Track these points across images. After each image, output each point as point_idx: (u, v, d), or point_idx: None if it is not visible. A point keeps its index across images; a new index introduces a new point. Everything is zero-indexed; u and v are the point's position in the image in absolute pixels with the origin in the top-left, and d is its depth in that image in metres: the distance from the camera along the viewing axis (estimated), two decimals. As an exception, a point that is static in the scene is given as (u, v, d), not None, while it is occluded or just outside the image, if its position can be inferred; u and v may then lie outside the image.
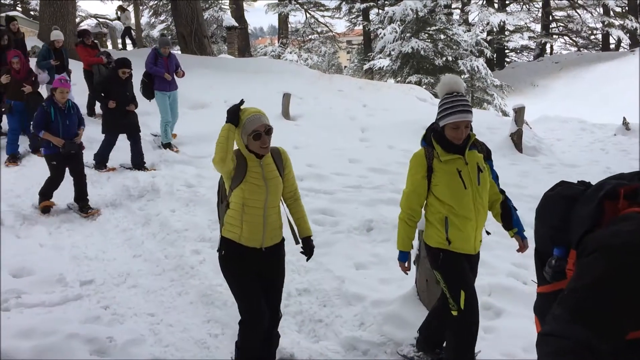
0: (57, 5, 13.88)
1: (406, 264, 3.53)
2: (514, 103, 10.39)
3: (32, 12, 30.24)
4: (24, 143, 8.34)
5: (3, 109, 7.91)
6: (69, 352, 3.79)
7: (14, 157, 7.91)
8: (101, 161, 7.95)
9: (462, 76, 21.88)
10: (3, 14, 10.96)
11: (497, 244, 5.57)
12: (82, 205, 6.64)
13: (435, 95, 17.68)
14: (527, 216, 6.30)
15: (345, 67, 46.97)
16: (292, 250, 5.39)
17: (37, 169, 7.67)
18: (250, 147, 3.12)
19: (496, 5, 31.81)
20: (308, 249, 3.55)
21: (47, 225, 6.20)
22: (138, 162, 8.04)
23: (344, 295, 4.58)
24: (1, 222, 5.94)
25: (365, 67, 26.94)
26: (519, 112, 9.92)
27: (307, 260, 3.61)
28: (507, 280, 4.67)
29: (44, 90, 8.61)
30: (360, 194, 7.06)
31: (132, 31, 23.83)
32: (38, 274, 5.00)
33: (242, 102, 3.16)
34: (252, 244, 3.26)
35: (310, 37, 34.95)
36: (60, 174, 6.56)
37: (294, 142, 9.44)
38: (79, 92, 9.83)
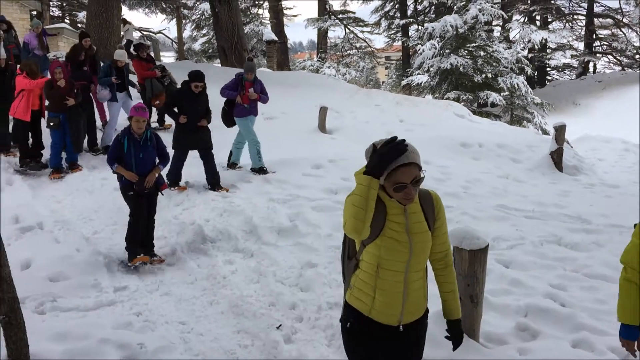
0: (102, 18, 14.28)
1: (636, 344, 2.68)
2: (555, 121, 10.18)
3: (79, 25, 31.13)
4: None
5: (52, 124, 7.96)
6: (101, 356, 3.84)
7: (58, 170, 8.09)
8: (175, 179, 7.55)
9: (502, 93, 21.62)
10: (78, 30, 11.25)
11: (534, 264, 5.44)
12: (147, 250, 5.73)
13: (474, 112, 17.56)
14: (567, 237, 6.16)
15: (383, 82, 46.96)
16: (324, 264, 5.38)
17: (79, 179, 7.93)
18: (390, 193, 2.38)
19: (538, 23, 31.41)
20: (456, 335, 2.67)
21: (85, 231, 6.30)
22: (213, 181, 7.59)
23: (375, 311, 4.51)
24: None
25: (404, 82, 26.87)
26: (560, 130, 9.70)
27: (454, 349, 2.70)
28: (544, 301, 4.52)
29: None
30: (394, 209, 6.98)
31: (132, 45, 23.84)
32: (74, 279, 5.09)
33: (395, 142, 2.24)
34: (386, 320, 2.49)
35: (348, 52, 35.07)
36: (139, 208, 5.66)
37: (329, 155, 9.43)
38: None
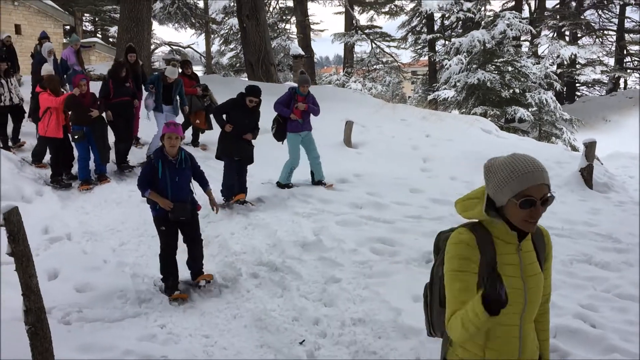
0: (133, 33, 14.54)
1: None
2: (584, 138, 9.99)
3: (110, 39, 31.78)
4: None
5: (76, 136, 8.08)
6: (124, 368, 3.85)
7: (87, 182, 8.21)
8: (229, 194, 7.46)
9: (530, 109, 21.37)
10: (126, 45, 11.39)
11: (563, 283, 5.32)
12: (195, 272, 5.45)
13: (502, 128, 17.37)
14: (597, 256, 6.02)
15: (409, 97, 46.84)
16: (348, 279, 5.34)
17: (107, 191, 8.08)
18: (508, 213, 2.03)
19: (567, 38, 31.08)
20: None
21: (112, 242, 6.37)
22: (240, 191, 7.55)
23: (400, 328, 4.45)
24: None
25: (430, 97, 26.75)
26: (590, 147, 9.52)
27: None
28: (574, 321, 4.41)
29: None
30: (420, 225, 6.92)
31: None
32: (100, 290, 5.14)
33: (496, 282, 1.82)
34: None
35: (375, 66, 35.10)
36: (171, 243, 5.27)
37: (355, 169, 9.42)
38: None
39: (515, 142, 12.89)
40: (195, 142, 10.58)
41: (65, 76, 10.92)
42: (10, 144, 9.44)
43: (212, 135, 8.92)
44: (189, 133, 10.40)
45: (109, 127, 8.69)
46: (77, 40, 12.02)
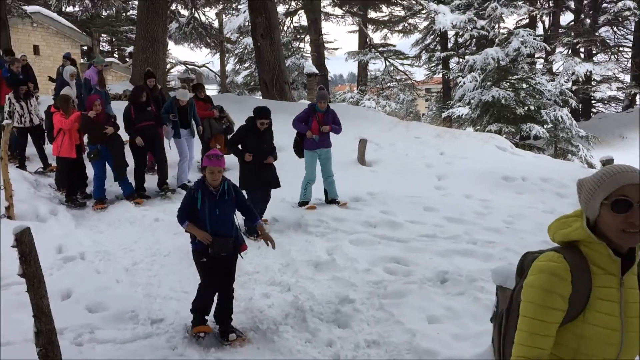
0: (149, 53, 14.72)
1: None
2: (601, 155, 9.87)
3: (126, 59, 32.20)
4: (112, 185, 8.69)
5: (92, 155, 8.12)
6: (135, 390, 3.80)
7: (101, 201, 8.25)
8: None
9: (546, 126, 21.22)
10: (146, 69, 11.53)
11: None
12: (224, 329, 4.83)
13: (517, 145, 17.25)
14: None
15: (423, 114, 46.80)
16: (361, 299, 5.27)
17: (121, 210, 8.09)
18: (604, 226, 1.75)
19: (582, 55, 30.92)
20: None
21: (125, 262, 6.36)
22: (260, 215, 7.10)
23: (414, 350, 4.36)
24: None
25: (444, 115, 26.70)
26: (607, 164, 9.41)
27: None
28: None
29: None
30: (434, 244, 6.84)
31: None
32: (112, 310, 5.11)
33: None
34: None
35: (389, 84, 35.15)
36: (212, 281, 4.80)
37: (368, 187, 9.37)
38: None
39: (531, 160, 12.77)
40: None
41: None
42: (29, 163, 9.49)
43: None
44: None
45: (131, 151, 8.68)
46: (102, 61, 12.04)
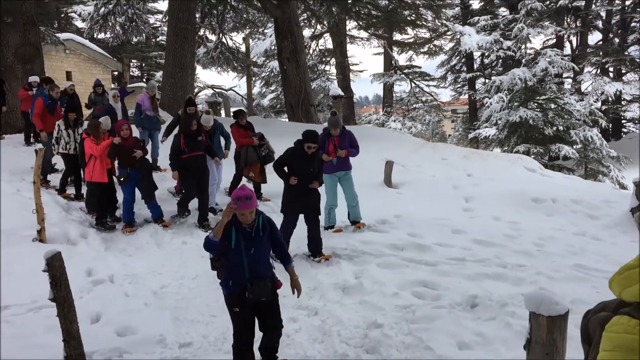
0: (177, 78, 14.99)
1: None
2: (634, 176, 9.65)
3: (157, 83, 32.82)
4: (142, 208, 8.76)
5: (122, 179, 8.20)
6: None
7: (130, 224, 8.33)
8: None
9: (575, 146, 20.93)
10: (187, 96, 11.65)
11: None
12: None
13: (546, 166, 16.98)
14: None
15: (449, 135, 46.60)
16: (390, 324, 5.20)
17: (149, 233, 8.16)
18: None
19: (611, 74, 30.53)
20: None
21: (153, 285, 6.39)
22: (316, 248, 7.04)
23: (444, 377, 4.28)
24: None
25: (471, 135, 26.55)
26: (641, 185, 9.20)
27: None
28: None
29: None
30: (463, 267, 6.74)
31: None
32: (140, 334, 5.12)
33: None
34: None
35: (414, 105, 35.14)
36: (248, 331, 4.30)
37: (395, 210, 9.30)
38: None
39: (561, 181, 12.57)
40: (258, 195, 9.78)
41: (140, 120, 11.26)
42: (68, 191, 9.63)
43: (276, 187, 8.31)
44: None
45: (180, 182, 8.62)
46: (153, 87, 11.94)
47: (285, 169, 7.10)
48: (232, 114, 10.53)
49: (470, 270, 6.61)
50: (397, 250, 7.42)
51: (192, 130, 8.40)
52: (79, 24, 29.38)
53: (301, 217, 7.16)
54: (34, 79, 12.71)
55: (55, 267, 3.44)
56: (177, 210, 8.67)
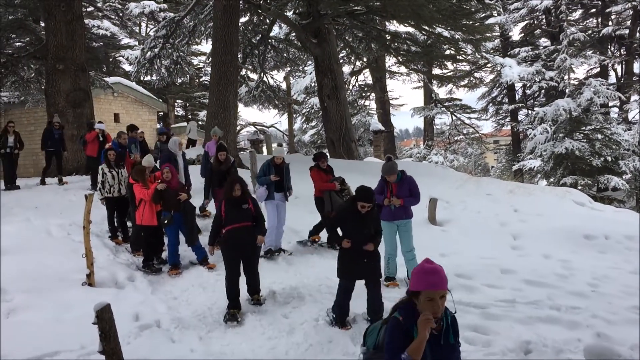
0: (221, 118, 15.27)
1: None
2: (691, 209, 9.27)
3: (200, 122, 33.56)
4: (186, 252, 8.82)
5: (165, 222, 8.29)
6: None
7: (176, 266, 8.41)
8: (342, 317, 6.26)
9: (625, 177, 20.31)
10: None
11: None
12: None
13: (595, 199, 16.46)
14: None
15: (492, 166, 45.94)
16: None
17: (194, 275, 8.20)
18: None
19: (660, 102, 29.70)
20: None
21: (199, 330, 6.39)
22: (376, 310, 6.24)
23: None
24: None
25: (515, 167, 26.09)
26: (699, 220, 8.82)
27: None
28: None
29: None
30: (514, 310, 6.52)
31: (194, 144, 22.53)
32: (187, 381, 5.10)
33: None
34: None
35: (456, 138, 34.87)
36: None
37: (441, 249, 9.14)
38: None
39: (612, 216, 12.15)
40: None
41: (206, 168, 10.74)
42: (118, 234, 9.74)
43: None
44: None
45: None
46: (219, 132, 11.78)
47: (338, 229, 6.48)
48: (312, 156, 9.74)
49: (522, 313, 6.39)
50: (445, 292, 7.23)
51: (236, 197, 6.98)
52: (126, 66, 30.48)
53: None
54: (101, 126, 13.06)
55: (104, 319, 3.47)
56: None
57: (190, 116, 35.07)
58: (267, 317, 6.65)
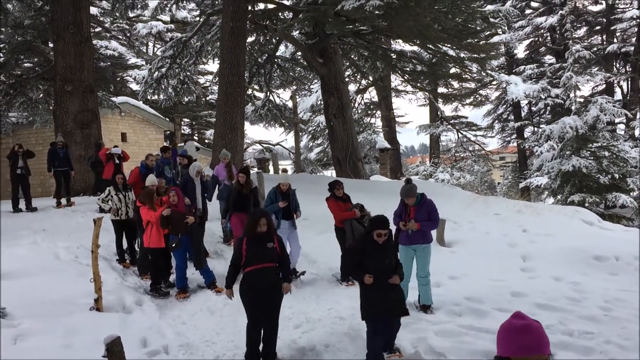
0: (228, 139, 15.36)
1: None
2: (702, 229, 9.19)
3: (206, 141, 33.71)
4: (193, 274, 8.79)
5: (173, 245, 8.29)
6: None
7: (184, 290, 8.37)
8: None
9: (632, 193, 20.21)
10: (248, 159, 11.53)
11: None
12: None
13: (603, 217, 16.35)
14: None
15: (498, 183, 45.80)
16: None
17: (203, 299, 8.15)
18: None
19: (667, 119, 29.64)
20: None
21: (207, 355, 6.35)
22: (390, 344, 6.05)
23: None
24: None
25: (522, 185, 26.01)
26: None
27: None
28: None
29: None
30: (526, 335, 6.43)
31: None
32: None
33: None
34: None
35: (462, 155, 34.86)
36: None
37: (450, 271, 9.05)
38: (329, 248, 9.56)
39: (622, 235, 12.03)
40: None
41: (218, 191, 10.86)
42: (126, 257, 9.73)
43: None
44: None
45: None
46: (226, 155, 11.39)
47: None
48: (328, 185, 9.14)
49: (534, 338, 6.30)
50: (455, 316, 7.17)
51: (260, 233, 5.98)
52: (134, 86, 30.72)
53: None
54: (117, 150, 13.12)
55: (114, 352, 3.45)
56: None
57: (196, 134, 35.22)
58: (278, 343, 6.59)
